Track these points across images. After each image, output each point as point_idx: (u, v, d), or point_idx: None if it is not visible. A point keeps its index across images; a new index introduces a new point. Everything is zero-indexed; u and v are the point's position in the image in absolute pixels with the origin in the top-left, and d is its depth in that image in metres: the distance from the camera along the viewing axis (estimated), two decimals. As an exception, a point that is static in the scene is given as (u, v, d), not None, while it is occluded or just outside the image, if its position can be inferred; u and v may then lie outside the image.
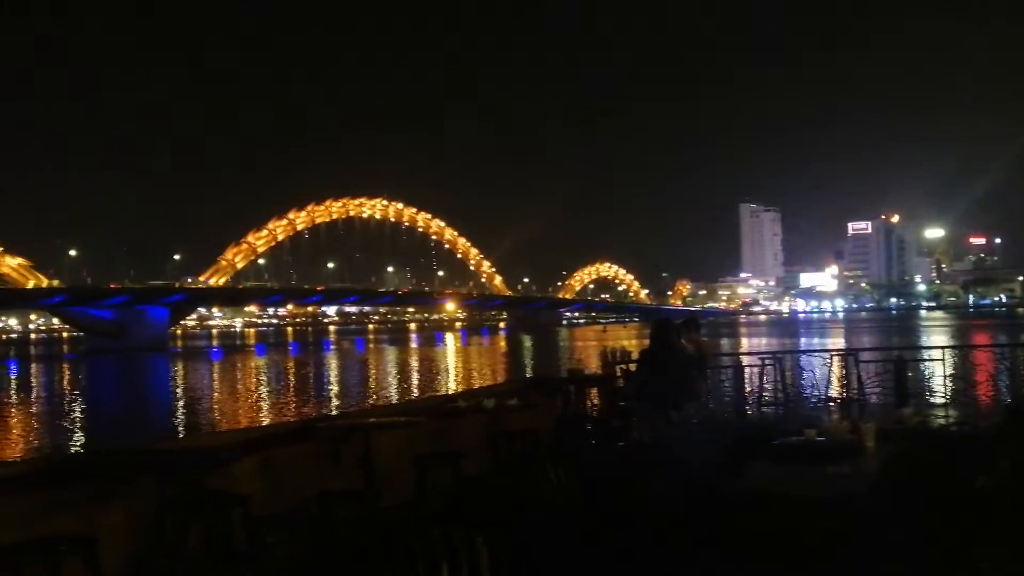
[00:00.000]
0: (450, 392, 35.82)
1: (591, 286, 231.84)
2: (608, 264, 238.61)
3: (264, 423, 29.62)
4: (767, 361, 14.80)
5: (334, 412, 29.05)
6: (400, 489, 7.75)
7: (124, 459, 6.49)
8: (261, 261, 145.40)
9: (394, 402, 33.27)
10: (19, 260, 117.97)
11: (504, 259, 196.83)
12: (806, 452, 7.56)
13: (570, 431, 10.79)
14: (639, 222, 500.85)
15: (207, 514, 6.35)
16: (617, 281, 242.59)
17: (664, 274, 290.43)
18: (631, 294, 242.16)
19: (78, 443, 29.00)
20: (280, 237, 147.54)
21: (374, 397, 41.49)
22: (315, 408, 36.77)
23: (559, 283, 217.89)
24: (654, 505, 7.49)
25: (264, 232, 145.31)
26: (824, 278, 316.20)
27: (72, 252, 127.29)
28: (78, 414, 38.95)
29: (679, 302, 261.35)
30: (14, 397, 49.80)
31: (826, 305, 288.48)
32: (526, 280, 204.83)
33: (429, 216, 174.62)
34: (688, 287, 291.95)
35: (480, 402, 9.85)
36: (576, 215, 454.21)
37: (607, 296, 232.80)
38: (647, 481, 8.63)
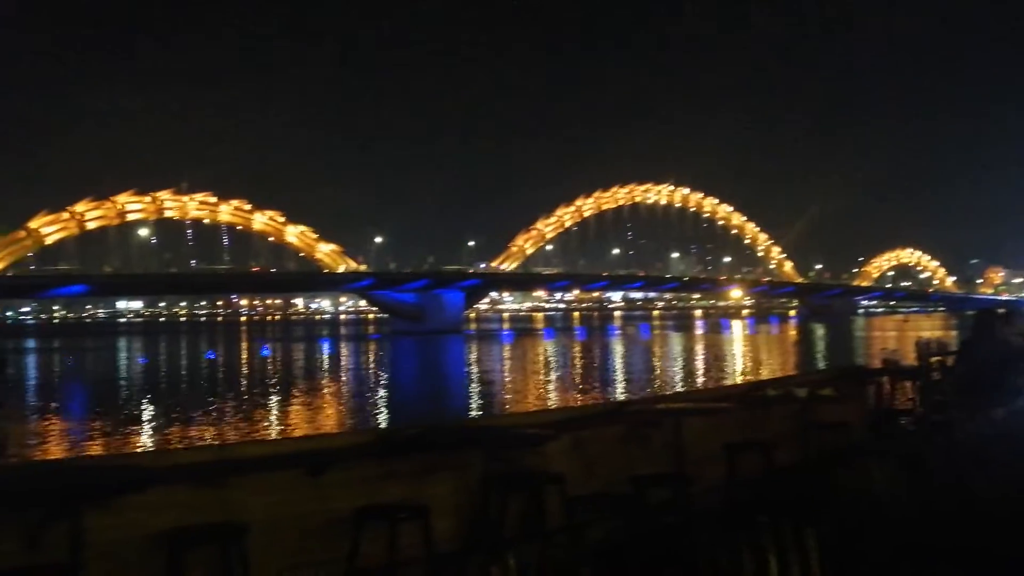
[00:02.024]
0: (752, 380, 35.09)
1: (889, 273, 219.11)
2: (910, 250, 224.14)
3: (567, 405, 30.33)
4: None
5: (637, 396, 29.24)
6: (709, 476, 7.67)
7: (451, 434, 6.86)
8: (549, 247, 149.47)
9: (700, 388, 33.03)
10: (332, 246, 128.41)
11: (795, 245, 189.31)
12: None
13: (885, 424, 10.25)
14: (945, 206, 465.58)
15: (525, 490, 6.58)
16: (919, 268, 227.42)
17: (973, 261, 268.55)
18: (935, 282, 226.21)
19: (390, 418, 30.98)
20: (568, 224, 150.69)
21: (662, 382, 41.41)
22: (605, 391, 37.28)
23: (854, 270, 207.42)
24: (985, 504, 6.97)
25: (552, 219, 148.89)
26: None
27: (378, 239, 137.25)
28: (384, 391, 41.69)
29: (990, 291, 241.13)
30: (327, 374, 54.09)
31: None
32: (818, 267, 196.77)
33: (716, 201, 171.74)
34: (1001, 275, 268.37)
35: (790, 391, 9.55)
36: (877, 199, 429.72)
37: (908, 284, 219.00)
38: (974, 479, 8.06)
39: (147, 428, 30.38)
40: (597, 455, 7.35)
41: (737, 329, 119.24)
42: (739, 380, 39.66)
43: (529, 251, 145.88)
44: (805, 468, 8.54)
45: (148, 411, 35.04)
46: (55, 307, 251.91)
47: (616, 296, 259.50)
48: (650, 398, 14.28)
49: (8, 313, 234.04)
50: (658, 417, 7.79)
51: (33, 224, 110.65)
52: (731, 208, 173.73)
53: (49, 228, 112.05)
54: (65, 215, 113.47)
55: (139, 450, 23.46)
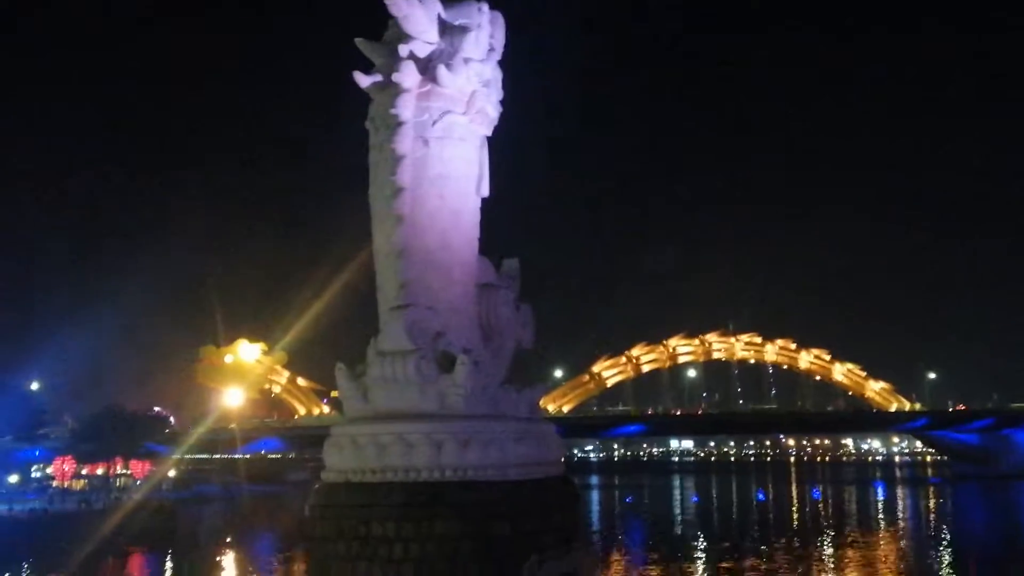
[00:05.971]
0: None
1: None
2: None
3: None
4: None
5: None
6: None
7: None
8: None
9: None
10: (882, 384, 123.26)
11: None
12: None
13: None
14: None
15: None
16: None
17: None
18: None
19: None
20: None
21: None
22: None
23: None
24: None
25: None
26: None
27: (931, 375, 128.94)
28: (950, 543, 38.70)
29: None
30: (883, 520, 51.48)
31: None
32: None
33: None
34: None
35: None
36: None
37: None
38: None
39: (706, 569, 31.26)
40: None
41: None
42: None
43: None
44: None
45: (705, 550, 36.13)
46: (614, 445, 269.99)
47: None
48: None
49: (574, 451, 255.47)
50: None
51: (596, 368, 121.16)
52: None
53: (609, 372, 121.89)
54: (623, 359, 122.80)
55: None
